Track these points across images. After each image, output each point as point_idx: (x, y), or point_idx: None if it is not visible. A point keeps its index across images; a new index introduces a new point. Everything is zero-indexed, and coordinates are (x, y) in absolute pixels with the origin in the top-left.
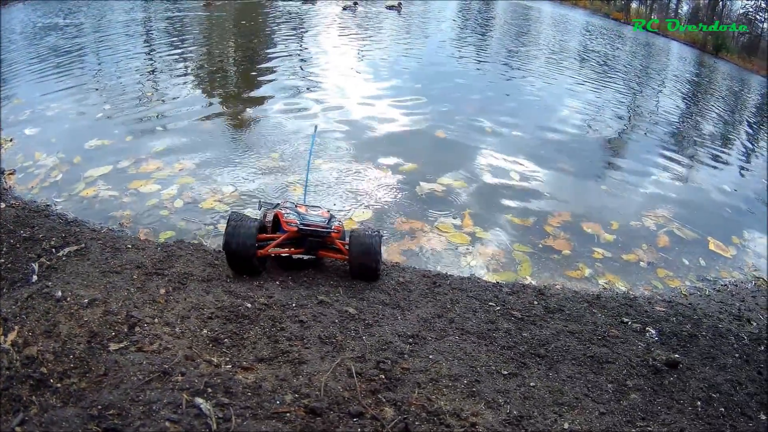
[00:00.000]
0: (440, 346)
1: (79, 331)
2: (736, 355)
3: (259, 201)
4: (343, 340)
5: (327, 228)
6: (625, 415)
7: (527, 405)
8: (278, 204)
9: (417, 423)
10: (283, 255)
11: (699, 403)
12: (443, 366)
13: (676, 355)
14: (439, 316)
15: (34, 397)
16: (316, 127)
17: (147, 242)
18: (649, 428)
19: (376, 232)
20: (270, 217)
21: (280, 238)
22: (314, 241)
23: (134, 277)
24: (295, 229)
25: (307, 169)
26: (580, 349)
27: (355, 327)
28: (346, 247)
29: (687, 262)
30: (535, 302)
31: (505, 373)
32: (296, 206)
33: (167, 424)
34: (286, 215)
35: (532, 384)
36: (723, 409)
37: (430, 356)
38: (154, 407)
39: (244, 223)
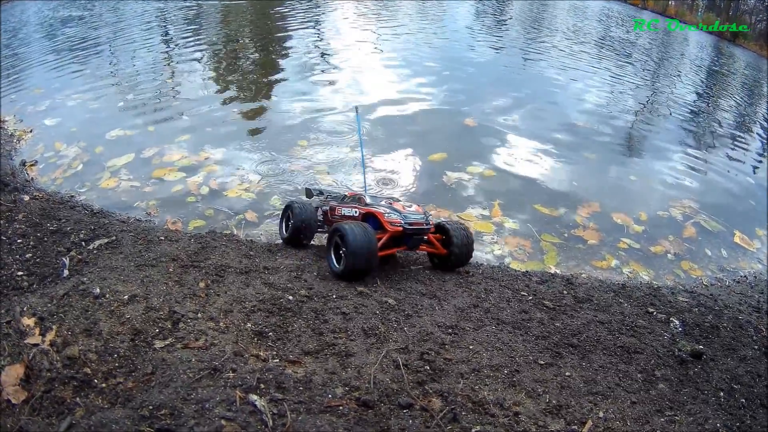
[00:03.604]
0: (479, 336)
1: (122, 329)
2: (755, 347)
3: (311, 190)
4: (386, 331)
5: (428, 225)
6: (654, 404)
7: (564, 394)
8: (345, 196)
9: (464, 413)
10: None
11: (722, 393)
12: (483, 356)
13: (700, 346)
14: (475, 305)
15: (78, 399)
16: (357, 108)
17: (178, 233)
18: (676, 417)
19: (464, 225)
20: (326, 208)
21: (384, 238)
22: (417, 238)
23: (170, 270)
24: (401, 229)
25: (361, 155)
26: (610, 339)
27: (396, 318)
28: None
29: (709, 253)
30: (565, 292)
31: (542, 362)
32: (391, 203)
33: (222, 422)
34: (387, 215)
35: (567, 374)
36: (744, 401)
37: (470, 347)
38: (207, 405)
39: (368, 233)
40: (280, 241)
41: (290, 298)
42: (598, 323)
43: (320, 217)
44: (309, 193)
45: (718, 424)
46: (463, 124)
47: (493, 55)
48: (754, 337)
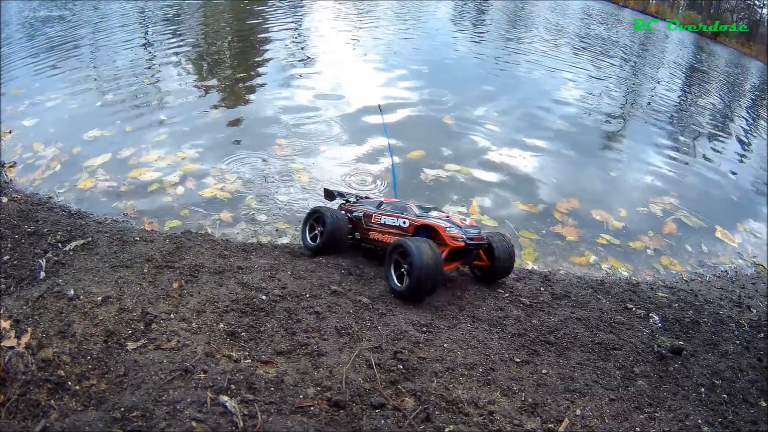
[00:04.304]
0: (453, 334)
1: (95, 331)
2: (737, 341)
3: (332, 192)
4: (359, 330)
5: (485, 239)
6: (633, 401)
7: (540, 392)
8: (381, 202)
9: (437, 412)
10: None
11: (703, 389)
12: (458, 354)
13: (680, 342)
14: (450, 303)
15: (53, 401)
16: (380, 106)
17: (154, 233)
18: (656, 414)
19: (506, 236)
20: (359, 214)
21: (444, 254)
22: (475, 253)
23: (145, 270)
24: (462, 244)
25: (390, 159)
26: (588, 336)
27: (369, 317)
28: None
29: (690, 249)
30: (542, 288)
31: (518, 360)
32: (448, 216)
33: (193, 423)
34: (448, 229)
35: (543, 371)
36: (725, 396)
37: (445, 345)
38: (178, 407)
39: (434, 250)
40: (252, 241)
41: (263, 297)
42: (576, 320)
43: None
44: (330, 194)
45: (699, 420)
46: (441, 122)
47: (474, 54)
48: (736, 332)
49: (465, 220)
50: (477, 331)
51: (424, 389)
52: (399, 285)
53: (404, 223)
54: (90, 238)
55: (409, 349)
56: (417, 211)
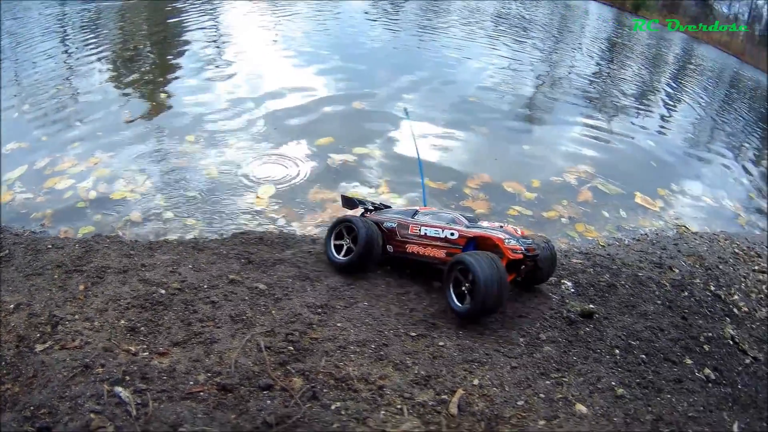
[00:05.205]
0: (349, 313)
1: (8, 337)
2: (658, 302)
3: (354, 200)
4: (253, 316)
5: (537, 250)
6: (538, 367)
7: (436, 364)
8: (416, 211)
9: (325, 390)
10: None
11: (618, 351)
12: (351, 333)
13: (591, 306)
14: (350, 284)
15: None
16: (406, 110)
17: (66, 240)
18: (564, 379)
19: (547, 239)
20: (392, 225)
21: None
22: (530, 264)
23: (55, 276)
24: (521, 256)
25: (419, 167)
26: None
27: (265, 302)
28: None
29: (607, 215)
30: None
31: (414, 334)
32: (502, 226)
33: (92, 416)
34: (507, 241)
35: (441, 344)
36: (644, 356)
37: (338, 324)
38: (79, 401)
39: (497, 264)
40: (159, 239)
41: (162, 292)
42: None
43: None
44: (350, 202)
45: (613, 383)
46: (352, 107)
47: (389, 40)
48: (657, 293)
49: (517, 230)
50: (374, 309)
51: (313, 369)
52: (460, 305)
53: (452, 234)
54: (7, 251)
55: (302, 330)
56: (465, 221)
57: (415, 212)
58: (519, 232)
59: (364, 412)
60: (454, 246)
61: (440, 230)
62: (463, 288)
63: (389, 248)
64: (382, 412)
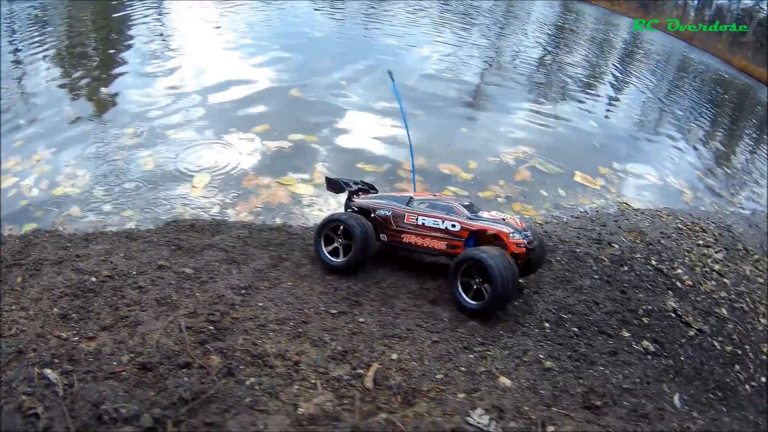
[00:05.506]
0: (271, 293)
1: None
2: (596, 276)
3: (340, 182)
4: (178, 299)
5: (535, 240)
6: (461, 341)
7: (354, 340)
8: (410, 198)
9: (241, 367)
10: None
11: (547, 324)
12: (272, 312)
13: (521, 280)
14: (275, 266)
15: None
16: (390, 73)
17: (9, 237)
18: (488, 352)
19: (533, 228)
20: (386, 213)
21: None
22: (530, 256)
23: None
24: (524, 250)
25: (408, 139)
26: (416, 284)
27: (190, 286)
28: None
29: (545, 194)
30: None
31: (334, 312)
32: (504, 219)
33: (23, 397)
34: (512, 235)
35: (361, 320)
36: (576, 329)
37: (260, 304)
38: (13, 385)
39: (508, 259)
40: (96, 231)
41: (93, 279)
42: (406, 270)
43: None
44: (336, 185)
45: (541, 355)
46: (289, 95)
47: (333, 30)
48: (594, 268)
49: (518, 222)
50: (297, 289)
51: (231, 347)
52: (471, 302)
53: (453, 226)
54: None
55: (224, 311)
56: (466, 211)
57: (410, 199)
58: (520, 224)
59: (278, 387)
60: (455, 238)
61: (440, 221)
62: (473, 284)
63: (383, 237)
64: (296, 386)
